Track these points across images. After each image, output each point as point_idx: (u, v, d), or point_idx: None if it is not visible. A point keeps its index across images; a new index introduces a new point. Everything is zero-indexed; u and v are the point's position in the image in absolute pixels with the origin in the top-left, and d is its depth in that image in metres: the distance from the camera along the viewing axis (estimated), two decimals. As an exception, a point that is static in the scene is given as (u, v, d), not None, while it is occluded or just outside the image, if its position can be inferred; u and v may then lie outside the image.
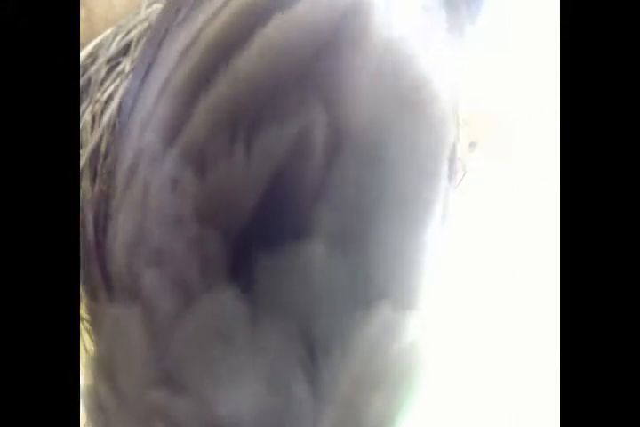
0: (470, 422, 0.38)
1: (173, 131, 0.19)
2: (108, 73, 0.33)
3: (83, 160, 0.31)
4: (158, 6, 0.36)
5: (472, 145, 0.43)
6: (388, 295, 0.19)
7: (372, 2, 0.20)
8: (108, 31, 0.35)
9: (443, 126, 0.21)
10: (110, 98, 0.32)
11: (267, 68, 0.18)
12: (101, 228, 0.21)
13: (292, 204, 0.18)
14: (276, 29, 0.19)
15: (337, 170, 0.18)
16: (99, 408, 0.20)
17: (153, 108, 0.20)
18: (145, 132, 0.20)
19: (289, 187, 0.18)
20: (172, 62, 0.20)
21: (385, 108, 0.19)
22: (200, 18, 0.21)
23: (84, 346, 0.31)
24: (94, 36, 0.34)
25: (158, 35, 0.23)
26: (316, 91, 0.18)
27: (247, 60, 0.19)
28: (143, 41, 0.34)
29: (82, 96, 0.32)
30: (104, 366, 0.20)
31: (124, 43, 0.34)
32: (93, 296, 0.21)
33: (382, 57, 0.19)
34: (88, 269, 0.21)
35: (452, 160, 0.22)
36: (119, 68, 0.33)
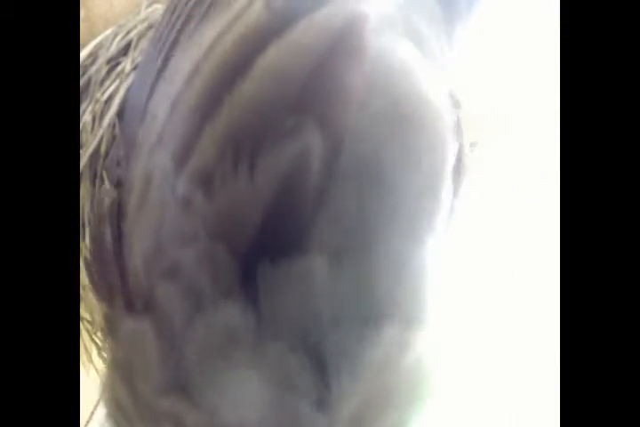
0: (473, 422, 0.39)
1: (183, 154, 0.20)
2: (108, 73, 0.33)
3: (83, 161, 0.31)
4: (158, 6, 0.36)
5: (472, 145, 0.43)
6: (394, 309, 0.20)
7: (364, 22, 0.20)
8: (108, 31, 0.35)
9: (442, 139, 0.21)
10: (110, 98, 0.32)
11: (266, 92, 0.20)
12: (117, 240, 0.22)
13: (294, 219, 0.19)
14: (273, 54, 0.20)
15: (335, 186, 0.19)
16: (119, 410, 0.21)
17: (164, 124, 0.21)
18: (155, 155, 0.21)
19: (291, 203, 0.19)
20: (182, 80, 0.21)
21: (380, 123, 0.20)
22: (207, 37, 0.22)
23: (84, 346, 0.31)
24: (94, 36, 0.34)
25: (166, 42, 0.24)
26: (312, 112, 0.19)
27: (249, 85, 0.20)
28: (144, 43, 0.34)
29: (82, 96, 0.32)
30: (122, 371, 0.21)
31: (124, 43, 0.34)
32: (111, 305, 0.22)
33: (376, 75, 0.20)
34: (106, 276, 0.22)
35: (456, 173, 0.22)
36: (119, 68, 0.33)
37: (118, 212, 0.23)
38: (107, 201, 0.23)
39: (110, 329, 0.22)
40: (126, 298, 0.21)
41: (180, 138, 0.21)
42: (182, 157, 0.20)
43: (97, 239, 0.23)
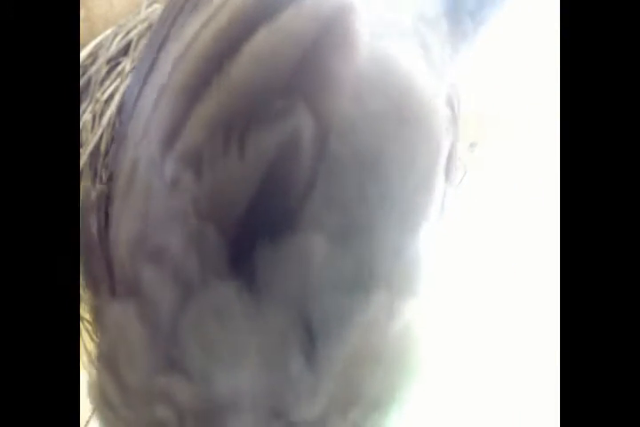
0: (467, 406, 0.39)
1: (171, 136, 0.20)
2: (108, 73, 0.33)
3: (83, 160, 0.31)
4: (158, 6, 0.36)
5: (472, 145, 0.43)
6: (384, 282, 0.20)
7: (353, 10, 0.21)
8: (108, 31, 0.35)
9: (436, 136, 0.22)
10: (110, 98, 0.32)
11: (256, 76, 0.20)
12: (103, 226, 0.23)
13: (284, 199, 0.19)
14: (262, 39, 0.20)
15: (324, 167, 0.20)
16: (105, 404, 0.21)
17: (151, 114, 0.22)
18: (141, 142, 0.22)
19: (280, 183, 0.19)
20: (168, 69, 0.22)
21: (378, 119, 0.21)
22: (193, 25, 0.22)
23: (84, 346, 0.31)
24: (94, 36, 0.34)
25: (158, 39, 0.25)
26: (301, 95, 0.20)
27: (238, 68, 0.20)
28: (144, 43, 0.34)
29: (82, 96, 0.32)
30: (108, 362, 0.21)
31: (124, 43, 0.34)
32: (96, 292, 0.22)
33: (366, 62, 0.21)
34: (92, 265, 0.22)
35: (449, 168, 0.23)
36: (119, 68, 0.33)
37: (106, 202, 0.23)
38: (93, 193, 0.24)
39: (97, 319, 0.22)
40: (111, 283, 0.21)
41: (168, 120, 0.21)
42: (170, 138, 0.20)
43: (83, 229, 0.23)
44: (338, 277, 0.20)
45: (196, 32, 0.22)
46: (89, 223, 0.23)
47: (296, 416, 0.19)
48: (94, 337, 0.31)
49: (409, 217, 0.21)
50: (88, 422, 0.33)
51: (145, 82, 0.24)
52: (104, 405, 0.21)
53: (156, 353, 0.20)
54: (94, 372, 0.22)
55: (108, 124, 0.32)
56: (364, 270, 0.20)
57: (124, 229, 0.21)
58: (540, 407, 0.39)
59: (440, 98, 0.22)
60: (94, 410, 0.22)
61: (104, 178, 0.27)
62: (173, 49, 0.23)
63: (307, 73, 0.20)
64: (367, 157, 0.20)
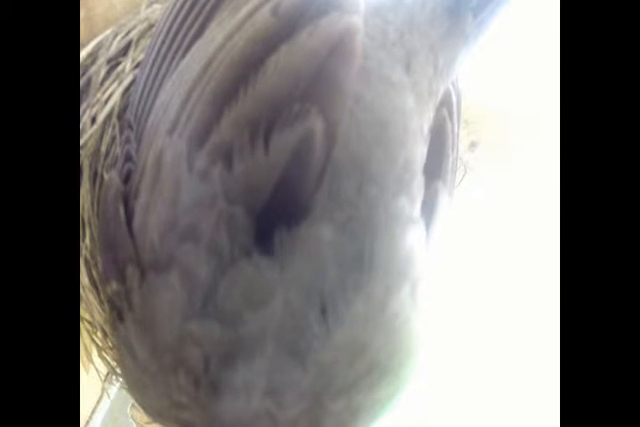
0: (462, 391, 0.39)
1: (203, 135, 0.24)
2: (108, 73, 0.33)
3: (83, 161, 0.31)
4: (158, 6, 0.36)
5: (472, 145, 0.43)
6: (382, 267, 0.24)
7: (358, 31, 0.25)
8: (108, 31, 0.35)
9: (412, 143, 0.26)
10: (110, 98, 0.32)
11: (278, 85, 0.24)
12: (130, 216, 0.26)
13: (299, 188, 0.23)
14: (283, 56, 0.24)
15: (332, 164, 0.23)
16: (132, 361, 0.24)
17: (176, 116, 0.25)
18: (172, 136, 0.25)
19: (297, 174, 0.23)
20: (193, 77, 0.25)
21: (359, 119, 0.25)
22: (218, 38, 0.26)
23: (84, 345, 0.31)
24: (94, 36, 0.34)
25: (172, 46, 0.28)
26: (314, 102, 0.24)
27: (263, 79, 0.24)
28: (144, 43, 0.34)
29: (82, 96, 0.32)
30: (141, 324, 0.24)
31: (124, 43, 0.34)
32: (122, 278, 0.24)
33: (367, 77, 0.25)
34: (119, 252, 0.25)
35: (443, 159, 0.28)
36: (119, 68, 0.33)
37: (128, 191, 0.26)
38: (113, 189, 0.26)
39: (125, 300, 0.24)
40: (140, 266, 0.24)
41: (200, 121, 0.24)
42: (202, 136, 0.24)
43: (109, 220, 0.26)
44: (342, 258, 0.23)
45: (222, 43, 0.25)
46: (116, 214, 0.26)
47: (310, 357, 0.22)
48: (94, 337, 0.31)
49: (401, 212, 0.24)
50: (88, 422, 0.33)
51: (161, 86, 0.27)
52: (131, 362, 0.24)
53: (192, 307, 0.22)
54: (124, 340, 0.24)
55: (109, 125, 0.32)
56: (365, 256, 0.23)
57: (154, 216, 0.24)
58: (538, 399, 0.39)
59: (416, 104, 0.26)
60: (119, 366, 0.24)
61: (115, 175, 0.28)
62: (197, 56, 0.26)
63: (319, 83, 0.24)
64: (359, 159, 0.24)
